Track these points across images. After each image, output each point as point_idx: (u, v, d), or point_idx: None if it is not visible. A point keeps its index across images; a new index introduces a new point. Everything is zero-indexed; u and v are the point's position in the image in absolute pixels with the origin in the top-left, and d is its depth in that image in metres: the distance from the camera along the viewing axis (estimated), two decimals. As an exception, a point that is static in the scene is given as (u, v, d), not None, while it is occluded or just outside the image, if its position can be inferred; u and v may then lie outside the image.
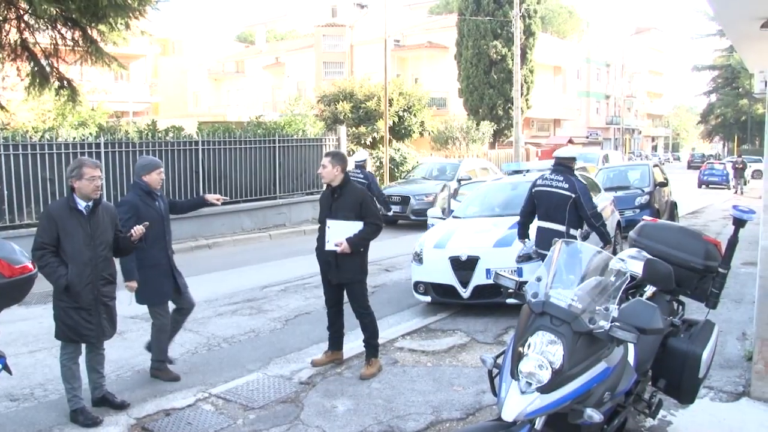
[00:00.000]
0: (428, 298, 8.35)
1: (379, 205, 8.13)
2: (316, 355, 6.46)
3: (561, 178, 7.16)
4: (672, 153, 60.36)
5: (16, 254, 4.54)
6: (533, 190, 7.39)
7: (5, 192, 11.78)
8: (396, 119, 25.67)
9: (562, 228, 7.02)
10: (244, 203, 16.13)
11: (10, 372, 4.34)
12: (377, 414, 5.12)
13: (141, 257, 5.74)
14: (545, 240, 6.84)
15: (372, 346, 6.08)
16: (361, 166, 11.07)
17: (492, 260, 7.80)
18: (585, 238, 7.06)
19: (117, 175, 13.49)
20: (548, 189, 7.21)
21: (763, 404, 5.12)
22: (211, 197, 6.43)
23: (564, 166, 7.30)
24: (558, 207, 7.08)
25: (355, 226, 5.86)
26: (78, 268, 4.94)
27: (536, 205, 7.33)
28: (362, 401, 5.38)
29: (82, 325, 5.01)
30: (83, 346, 5.18)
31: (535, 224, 7.43)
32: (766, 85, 9.82)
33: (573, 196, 7.01)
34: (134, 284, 5.74)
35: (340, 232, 5.85)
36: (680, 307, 4.67)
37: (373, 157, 23.88)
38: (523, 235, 7.54)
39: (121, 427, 5.04)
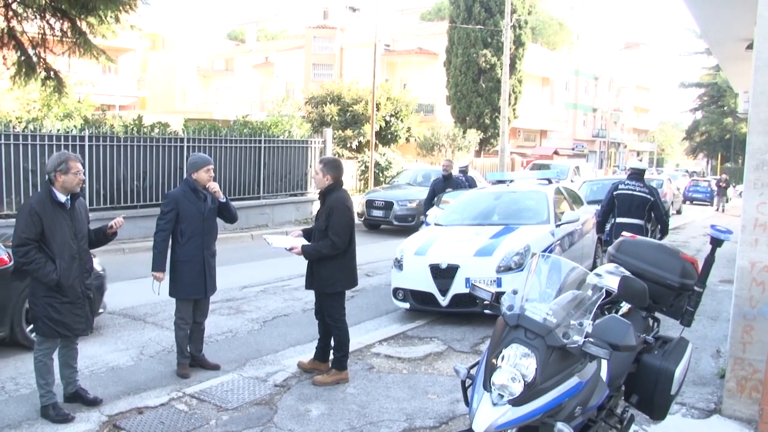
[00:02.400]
0: (407, 305, 8.35)
1: None
2: (303, 357, 6.42)
3: (641, 184, 8.88)
4: (657, 168, 60.84)
5: (-8, 247, 4.51)
6: (615, 193, 8.94)
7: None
8: (383, 124, 25.70)
9: (641, 222, 8.70)
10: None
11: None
12: (351, 419, 5.12)
13: (177, 251, 5.89)
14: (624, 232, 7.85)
15: (335, 357, 5.98)
16: (463, 171, 12.49)
17: (472, 269, 7.81)
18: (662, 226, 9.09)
19: (101, 170, 13.40)
20: (630, 192, 8.83)
21: (734, 422, 5.17)
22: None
23: (639, 175, 9.05)
24: (639, 206, 8.72)
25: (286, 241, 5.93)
26: (66, 263, 4.90)
27: (617, 205, 8.84)
28: (336, 406, 5.38)
29: (73, 319, 4.97)
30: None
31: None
32: (749, 105, 9.95)
33: (652, 199, 8.73)
34: (160, 275, 5.88)
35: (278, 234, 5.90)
36: (655, 324, 4.71)
37: (358, 161, 23.88)
38: (601, 230, 9.33)
39: (92, 424, 5.00)
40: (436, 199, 11.89)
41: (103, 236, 5.32)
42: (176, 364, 6.19)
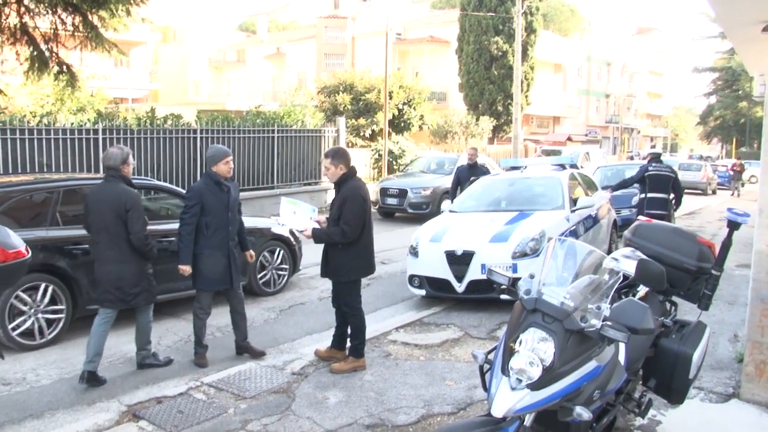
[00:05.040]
0: (423, 292, 8.36)
1: None
2: (320, 346, 6.45)
3: (663, 165, 10.98)
4: (670, 153, 60.28)
5: (10, 239, 4.54)
6: (646, 174, 10.79)
7: None
8: (396, 112, 25.63)
9: (666, 196, 10.69)
10: (241, 192, 16.07)
11: (2, 357, 4.35)
12: (368, 406, 5.14)
13: (201, 243, 5.95)
14: (655, 205, 10.54)
15: (352, 345, 6.01)
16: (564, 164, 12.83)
17: (487, 255, 7.80)
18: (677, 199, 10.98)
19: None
20: (658, 172, 10.75)
21: (753, 406, 5.15)
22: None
23: (658, 157, 11.26)
24: (665, 183, 10.68)
25: (304, 209, 5.93)
26: None
27: (647, 182, 10.72)
28: (354, 393, 5.40)
29: None
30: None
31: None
32: (765, 89, 9.86)
33: (673, 176, 10.79)
34: (187, 268, 5.96)
35: (289, 210, 5.91)
36: (673, 308, 4.69)
37: (372, 150, 23.85)
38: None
39: (112, 413, 5.05)
40: (459, 188, 11.84)
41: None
42: (193, 353, 6.24)
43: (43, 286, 6.52)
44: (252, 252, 6.69)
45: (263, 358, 6.25)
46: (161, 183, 9.73)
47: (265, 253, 8.77)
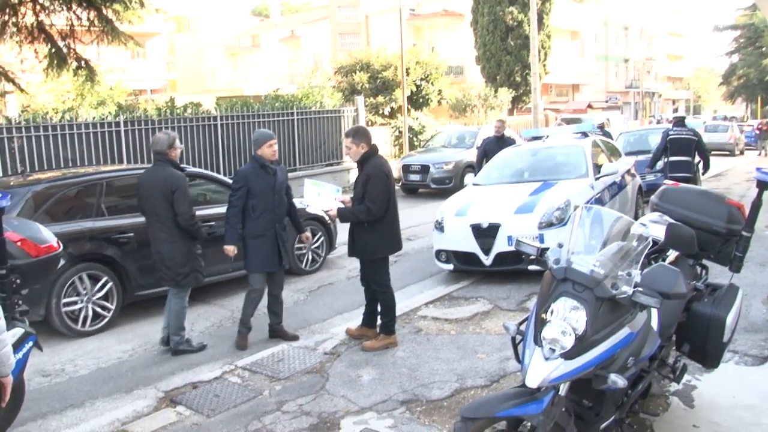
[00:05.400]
0: (450, 266, 8.36)
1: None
2: (350, 324, 6.50)
3: (686, 129, 10.74)
4: (693, 116, 59.18)
5: (42, 234, 4.62)
6: (668, 138, 10.66)
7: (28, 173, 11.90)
8: (413, 88, 25.47)
9: (689, 159, 10.56)
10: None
11: (41, 349, 4.44)
12: (402, 383, 5.17)
13: (248, 226, 6.06)
14: (678, 168, 10.40)
15: (382, 322, 6.04)
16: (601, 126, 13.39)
17: (513, 227, 7.77)
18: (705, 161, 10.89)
19: (137, 153, 13.58)
20: (679, 136, 10.60)
21: (789, 366, 5.10)
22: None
23: (681, 121, 11.06)
24: (688, 146, 10.55)
25: (328, 190, 5.99)
26: None
27: (669, 147, 10.60)
28: (387, 370, 5.43)
29: None
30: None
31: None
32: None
33: (696, 139, 10.62)
34: (231, 248, 6.08)
35: (314, 192, 5.97)
36: (703, 272, 4.63)
37: (391, 127, 23.78)
38: (652, 166, 11.27)
39: (150, 400, 5.14)
40: (485, 161, 11.73)
41: None
42: (236, 332, 6.33)
43: (83, 274, 6.79)
44: (308, 234, 6.87)
45: (296, 340, 6.30)
46: (207, 172, 10.28)
47: (307, 231, 8.79)
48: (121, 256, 7.03)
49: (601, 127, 15.79)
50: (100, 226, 7.02)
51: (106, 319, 6.93)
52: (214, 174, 9.28)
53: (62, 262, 6.09)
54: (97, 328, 6.87)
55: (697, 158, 10.82)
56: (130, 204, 7.06)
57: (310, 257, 9.12)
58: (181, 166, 6.22)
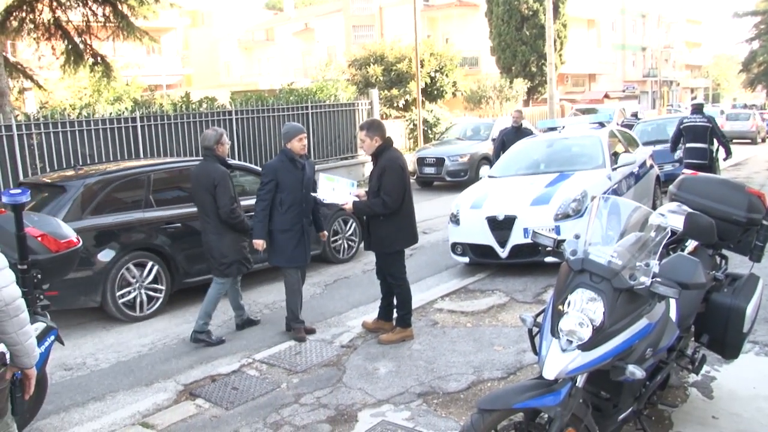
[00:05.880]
0: (466, 259, 8.35)
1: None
2: (367, 317, 6.52)
3: (701, 116, 10.98)
4: (712, 104, 58.50)
5: (61, 229, 4.67)
6: (682, 126, 11.07)
7: (48, 170, 12.02)
8: (428, 80, 25.40)
9: (705, 146, 10.78)
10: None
11: (62, 343, 4.49)
12: (419, 375, 5.18)
13: (276, 220, 6.11)
14: (693, 155, 10.78)
15: (399, 315, 6.05)
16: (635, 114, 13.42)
17: (529, 219, 7.75)
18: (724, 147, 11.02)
19: (154, 148, 13.66)
20: (694, 123, 10.91)
21: (810, 356, 5.05)
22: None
23: (699, 108, 11.23)
24: (702, 133, 10.78)
25: (343, 184, 5.99)
26: None
27: (684, 134, 10.98)
28: (403, 363, 5.44)
29: None
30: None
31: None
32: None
33: (710, 125, 10.82)
34: (260, 242, 6.13)
35: (328, 187, 5.96)
36: (723, 261, 4.59)
37: (406, 120, 23.73)
38: (673, 150, 11.65)
39: (170, 393, 5.19)
40: (503, 152, 11.65)
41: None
42: (291, 329, 6.34)
43: (130, 264, 7.14)
44: (325, 232, 6.85)
45: (312, 334, 6.32)
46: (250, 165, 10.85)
47: (339, 220, 9.25)
48: (169, 245, 7.38)
49: (635, 114, 17.35)
50: (150, 216, 7.35)
51: (159, 302, 7.29)
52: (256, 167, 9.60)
53: (113, 253, 6.91)
54: (152, 311, 7.24)
55: (715, 144, 11.02)
56: (177, 195, 7.61)
57: (346, 246, 9.41)
58: (228, 161, 6.41)
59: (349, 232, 9.41)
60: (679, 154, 11.70)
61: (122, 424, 4.71)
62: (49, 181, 7.62)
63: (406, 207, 5.83)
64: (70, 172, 7.62)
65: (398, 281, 5.98)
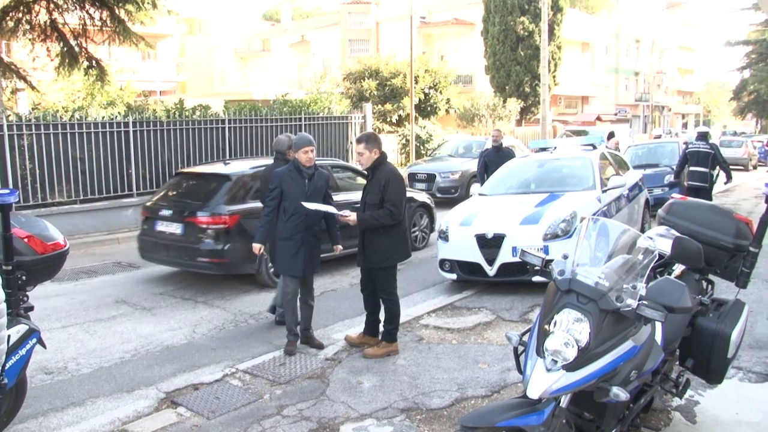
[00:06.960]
0: (454, 276, 8.35)
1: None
2: (350, 332, 6.49)
3: (705, 143, 11.65)
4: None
5: (48, 231, 4.64)
6: (687, 151, 11.74)
7: (37, 171, 11.96)
8: (422, 97, 25.52)
9: (706, 170, 11.39)
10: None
11: (44, 346, 4.44)
12: (402, 390, 5.15)
13: (278, 227, 6.10)
14: (694, 177, 11.40)
15: (385, 330, 6.00)
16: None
17: (518, 238, 7.75)
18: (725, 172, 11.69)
19: (146, 154, 13.63)
20: (698, 149, 11.55)
21: (793, 384, 5.06)
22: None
23: (704, 136, 11.88)
24: (704, 159, 11.42)
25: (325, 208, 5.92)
26: None
27: (689, 159, 11.57)
28: (387, 378, 5.42)
29: None
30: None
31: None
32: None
33: (712, 152, 11.47)
34: (258, 247, 6.13)
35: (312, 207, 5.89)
36: (709, 286, 4.62)
37: (399, 135, 23.79)
38: (678, 176, 12.14)
39: (151, 400, 5.14)
40: (486, 173, 11.63)
41: None
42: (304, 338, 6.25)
43: None
44: (341, 246, 6.45)
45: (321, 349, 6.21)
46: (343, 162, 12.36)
47: (417, 216, 11.05)
48: None
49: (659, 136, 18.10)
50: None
51: None
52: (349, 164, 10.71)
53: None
54: None
55: (717, 170, 11.71)
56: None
57: (420, 236, 11.11)
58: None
59: (423, 225, 11.14)
60: (668, 179, 12.52)
61: (101, 431, 4.66)
62: (215, 171, 9.02)
63: (403, 220, 5.86)
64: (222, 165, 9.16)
65: (389, 296, 5.95)
